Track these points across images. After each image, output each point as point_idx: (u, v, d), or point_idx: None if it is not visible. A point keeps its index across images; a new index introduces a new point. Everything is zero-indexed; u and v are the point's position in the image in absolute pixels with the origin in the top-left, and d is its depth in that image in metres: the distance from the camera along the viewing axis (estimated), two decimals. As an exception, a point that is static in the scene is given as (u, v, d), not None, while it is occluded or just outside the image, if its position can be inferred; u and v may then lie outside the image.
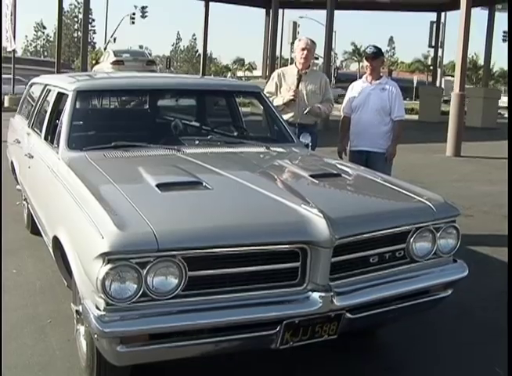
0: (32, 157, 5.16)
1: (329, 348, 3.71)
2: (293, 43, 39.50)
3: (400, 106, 6.12)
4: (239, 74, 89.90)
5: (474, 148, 15.05)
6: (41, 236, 4.69)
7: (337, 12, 23.45)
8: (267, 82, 6.40)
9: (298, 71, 6.07)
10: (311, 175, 3.89)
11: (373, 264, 3.32)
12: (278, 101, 5.93)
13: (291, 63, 6.72)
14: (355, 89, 6.29)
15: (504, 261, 5.12)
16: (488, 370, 3.81)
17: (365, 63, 6.17)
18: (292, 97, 5.90)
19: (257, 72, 62.78)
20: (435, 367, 3.85)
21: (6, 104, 23.49)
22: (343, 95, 7.86)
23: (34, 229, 5.63)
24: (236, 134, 5.37)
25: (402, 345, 4.17)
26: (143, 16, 50.79)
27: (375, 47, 6.15)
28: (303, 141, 5.07)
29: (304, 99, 6.01)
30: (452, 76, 34.49)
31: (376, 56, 6.10)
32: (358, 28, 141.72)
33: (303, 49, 6.07)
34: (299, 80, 5.95)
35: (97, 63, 31.04)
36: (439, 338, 4.20)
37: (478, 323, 4.51)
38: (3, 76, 19.12)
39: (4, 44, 26.92)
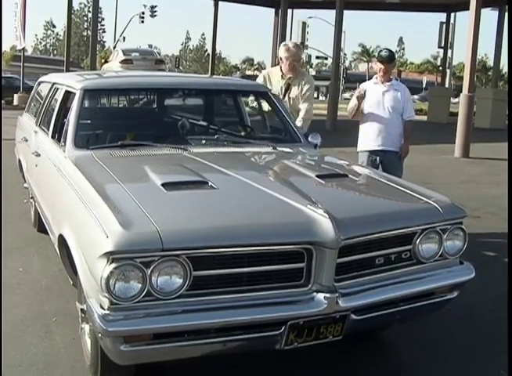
0: (39, 155, 5.17)
1: (334, 349, 3.69)
2: (302, 43, 39.61)
3: (411, 107, 6.34)
4: (249, 73, 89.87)
5: (482, 149, 15.00)
6: (48, 234, 4.70)
7: (346, 13, 23.43)
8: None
9: (282, 76, 6.03)
10: (317, 176, 3.88)
11: (379, 265, 3.30)
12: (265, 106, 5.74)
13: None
14: (366, 91, 6.28)
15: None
16: (494, 373, 3.79)
17: (379, 65, 6.25)
18: None
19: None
20: (441, 370, 3.83)
21: (15, 102, 23.62)
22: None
23: (41, 227, 5.64)
24: (242, 134, 5.37)
25: (407, 346, 4.16)
26: (152, 16, 50.83)
27: (390, 51, 6.28)
28: (312, 141, 5.05)
29: (288, 106, 5.90)
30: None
31: (390, 60, 6.24)
32: (368, 29, 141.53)
33: (294, 60, 5.98)
34: (287, 89, 5.88)
35: (106, 61, 31.02)
36: (445, 340, 4.18)
37: (484, 325, 4.49)
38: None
39: (14, 42, 27.04)
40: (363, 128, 6.32)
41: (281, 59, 6.06)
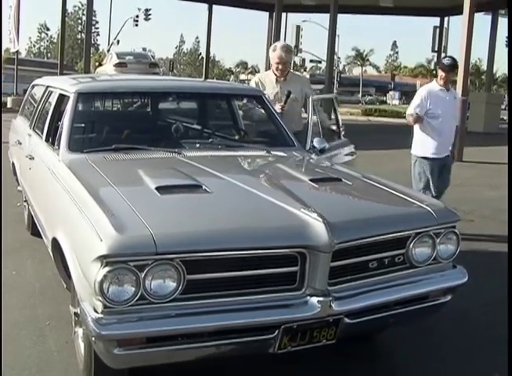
0: (33, 158, 5.16)
1: (328, 351, 3.69)
2: (296, 46, 39.64)
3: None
4: (242, 77, 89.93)
5: (476, 153, 15.03)
6: (42, 237, 4.69)
7: (340, 16, 23.48)
8: None
9: (277, 79, 5.97)
10: (311, 180, 3.88)
11: (373, 269, 3.31)
12: None
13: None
14: (431, 96, 6.50)
15: (503, 266, 5.11)
16: (490, 374, 3.80)
17: (441, 73, 6.48)
18: (281, 112, 5.60)
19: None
20: (437, 372, 3.85)
21: (9, 105, 23.54)
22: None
23: (35, 231, 5.62)
24: (236, 137, 5.36)
25: (402, 348, 4.17)
26: (147, 19, 50.74)
27: (452, 59, 6.54)
28: (317, 146, 5.04)
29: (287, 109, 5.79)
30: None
31: (453, 68, 6.53)
32: (362, 32, 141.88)
33: (278, 63, 5.92)
34: (288, 96, 5.74)
35: (100, 65, 31.04)
36: (440, 343, 4.18)
37: (479, 327, 4.50)
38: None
39: (7, 45, 26.99)
40: (430, 135, 6.51)
41: (272, 61, 6.03)
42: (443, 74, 6.43)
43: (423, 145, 6.53)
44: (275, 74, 6.01)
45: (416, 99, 6.55)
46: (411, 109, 6.54)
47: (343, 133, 6.19)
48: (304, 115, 5.88)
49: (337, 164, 4.71)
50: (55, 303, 4.58)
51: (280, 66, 5.94)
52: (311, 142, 5.07)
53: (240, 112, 5.94)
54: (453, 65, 6.47)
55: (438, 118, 6.45)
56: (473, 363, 3.96)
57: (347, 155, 5.97)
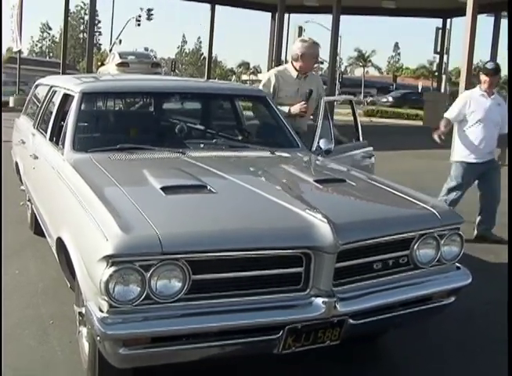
0: (37, 157, 5.17)
1: (330, 352, 3.70)
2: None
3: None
4: (244, 77, 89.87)
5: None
6: (45, 236, 4.69)
7: (342, 17, 23.48)
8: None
9: (298, 75, 5.82)
10: (315, 180, 3.89)
11: (377, 270, 3.31)
12: (283, 109, 5.58)
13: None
14: (471, 102, 6.57)
15: (505, 268, 5.13)
16: (494, 374, 3.83)
17: (484, 78, 6.51)
18: (303, 113, 5.64)
19: (262, 76, 62.94)
20: (440, 373, 3.87)
21: (11, 104, 23.52)
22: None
23: (38, 230, 5.63)
24: (240, 138, 5.36)
25: (404, 350, 4.17)
26: (149, 19, 50.84)
27: (495, 63, 6.62)
28: (322, 147, 5.02)
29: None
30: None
31: (496, 72, 6.54)
32: (364, 33, 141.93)
33: (315, 57, 5.88)
34: (310, 94, 5.64)
35: (102, 64, 31.10)
36: (443, 343, 4.19)
37: (482, 328, 4.52)
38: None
39: (10, 44, 26.96)
40: (468, 140, 6.59)
41: (299, 55, 5.80)
42: (487, 79, 6.48)
43: (462, 149, 6.62)
44: (297, 70, 5.83)
45: (458, 104, 6.68)
46: (448, 112, 6.66)
47: (361, 135, 6.13)
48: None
49: (341, 165, 4.70)
50: (58, 302, 4.59)
51: (314, 61, 5.95)
52: (318, 143, 5.06)
53: (250, 112, 5.94)
54: (497, 69, 6.52)
55: (477, 124, 6.52)
56: (476, 364, 3.97)
57: (364, 157, 5.96)
